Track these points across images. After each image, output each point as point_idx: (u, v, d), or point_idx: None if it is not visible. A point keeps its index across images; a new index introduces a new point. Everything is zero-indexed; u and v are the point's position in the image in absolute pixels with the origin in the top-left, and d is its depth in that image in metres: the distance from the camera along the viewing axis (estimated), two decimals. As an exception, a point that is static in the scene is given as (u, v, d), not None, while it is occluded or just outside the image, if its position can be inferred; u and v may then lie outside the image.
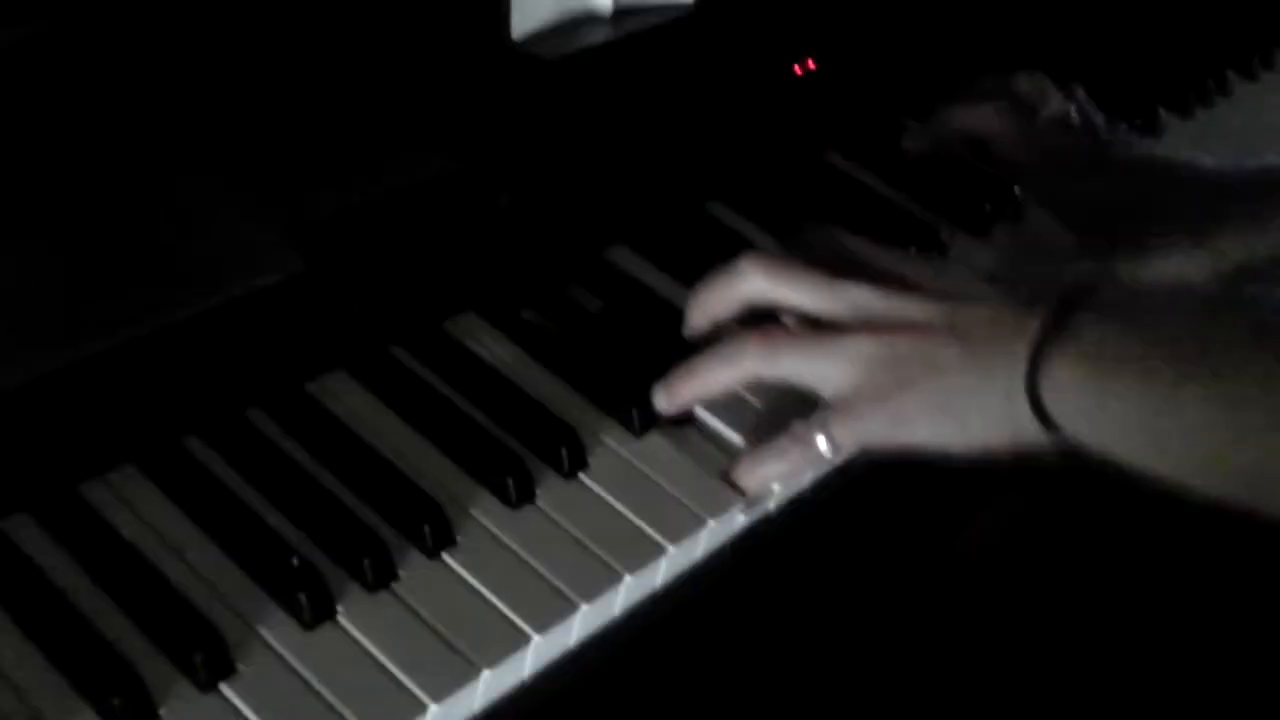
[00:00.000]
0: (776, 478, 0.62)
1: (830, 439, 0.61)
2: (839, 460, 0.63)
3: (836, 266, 0.63)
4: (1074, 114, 0.81)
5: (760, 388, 0.66)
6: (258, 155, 0.65)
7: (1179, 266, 0.70)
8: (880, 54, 0.88)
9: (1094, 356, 0.57)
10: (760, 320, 0.65)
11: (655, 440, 0.65)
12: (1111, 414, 0.56)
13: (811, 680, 0.80)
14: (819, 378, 0.61)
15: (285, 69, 0.66)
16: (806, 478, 0.65)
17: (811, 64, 0.85)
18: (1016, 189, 0.82)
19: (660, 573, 0.60)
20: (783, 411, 0.65)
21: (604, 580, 0.58)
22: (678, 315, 0.71)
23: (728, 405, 0.66)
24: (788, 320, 0.64)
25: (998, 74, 0.85)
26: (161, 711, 0.51)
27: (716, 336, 0.65)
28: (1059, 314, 0.58)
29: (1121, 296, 0.59)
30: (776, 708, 0.74)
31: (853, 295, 0.62)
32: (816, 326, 0.62)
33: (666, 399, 0.64)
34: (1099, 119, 0.82)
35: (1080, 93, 0.83)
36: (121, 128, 0.62)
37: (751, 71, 0.82)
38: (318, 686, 0.52)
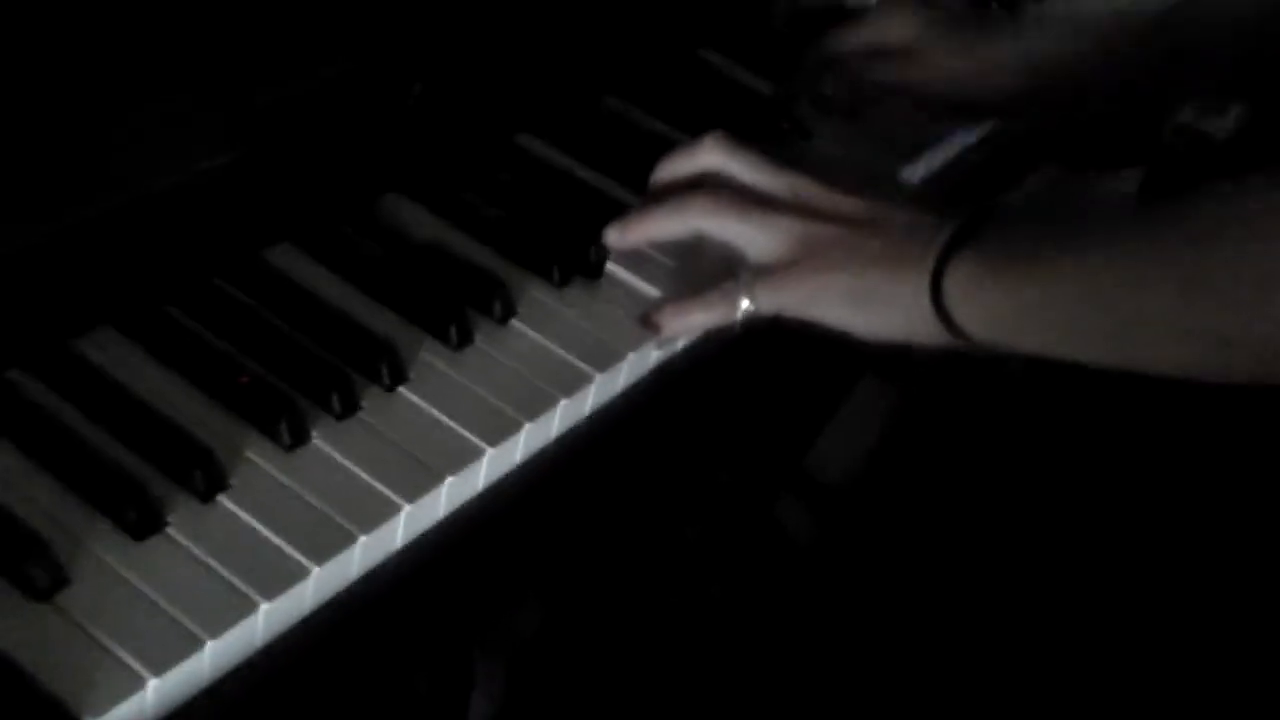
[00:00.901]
0: (699, 326, 0.72)
1: (753, 300, 0.70)
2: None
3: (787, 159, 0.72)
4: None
5: (666, 247, 0.76)
6: (195, 52, 0.71)
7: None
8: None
9: (990, 254, 0.64)
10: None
11: (574, 291, 0.73)
12: (999, 305, 0.64)
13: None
14: (751, 243, 0.70)
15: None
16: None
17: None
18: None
19: (589, 400, 0.69)
20: (687, 269, 0.74)
21: (542, 404, 0.67)
22: (582, 187, 0.80)
23: (637, 260, 0.75)
24: (721, 185, 0.72)
25: None
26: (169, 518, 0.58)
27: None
28: (970, 222, 0.66)
29: (1019, 211, 0.69)
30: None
31: (794, 180, 0.70)
32: (759, 198, 0.71)
33: (619, 236, 0.73)
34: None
35: None
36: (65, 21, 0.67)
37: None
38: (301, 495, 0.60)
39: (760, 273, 0.70)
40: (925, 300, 0.66)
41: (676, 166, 0.75)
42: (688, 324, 0.71)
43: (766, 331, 0.72)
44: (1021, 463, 0.85)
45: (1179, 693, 0.73)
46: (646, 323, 0.72)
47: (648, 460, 0.81)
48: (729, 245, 0.71)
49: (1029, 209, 0.70)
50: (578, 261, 0.74)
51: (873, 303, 0.67)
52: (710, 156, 0.73)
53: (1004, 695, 0.77)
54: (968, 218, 0.67)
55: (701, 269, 0.74)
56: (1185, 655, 0.74)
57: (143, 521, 0.57)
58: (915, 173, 0.89)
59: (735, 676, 0.87)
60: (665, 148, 0.75)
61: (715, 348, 0.75)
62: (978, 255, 0.65)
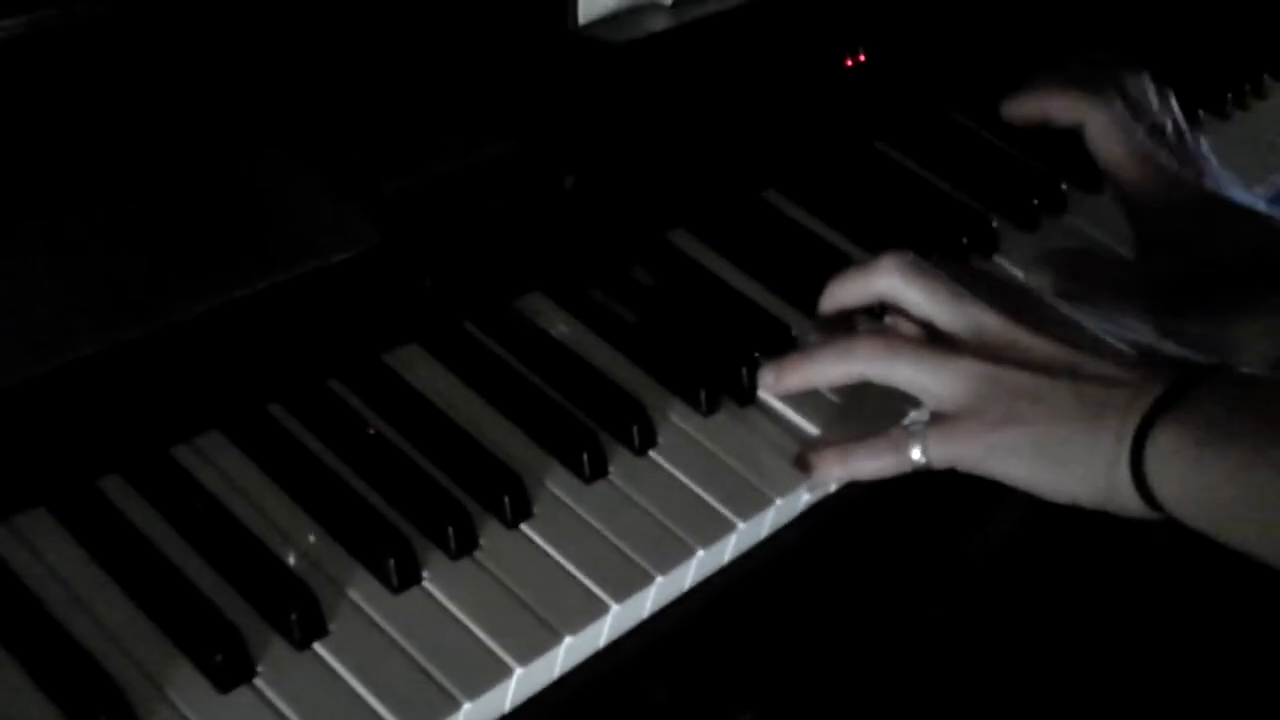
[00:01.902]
0: (864, 474, 0.64)
1: (925, 451, 0.62)
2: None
3: (975, 287, 0.63)
4: (1170, 128, 0.79)
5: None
6: (336, 132, 0.66)
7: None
8: (928, 46, 0.89)
9: (1203, 430, 0.56)
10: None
11: (722, 420, 0.66)
12: (1212, 490, 0.56)
13: (831, 673, 0.82)
14: (927, 390, 0.62)
15: (363, 48, 0.67)
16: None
17: (861, 56, 0.87)
18: (1063, 185, 0.84)
19: (729, 548, 0.62)
20: (850, 409, 0.67)
21: (678, 554, 0.60)
22: (738, 298, 0.73)
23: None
24: (903, 327, 0.65)
25: (1094, 60, 0.83)
26: (259, 668, 0.52)
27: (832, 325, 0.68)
28: (1178, 386, 0.58)
29: (1239, 377, 0.59)
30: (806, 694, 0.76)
31: (978, 316, 0.62)
32: (933, 339, 0.63)
33: (775, 381, 0.66)
34: (1186, 128, 0.80)
35: (1173, 101, 0.81)
36: (202, 100, 0.63)
37: (805, 62, 0.83)
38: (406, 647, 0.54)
39: (935, 420, 0.62)
40: (1123, 468, 0.57)
41: (846, 291, 0.67)
42: (850, 471, 0.64)
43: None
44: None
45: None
46: (802, 463, 0.64)
47: (788, 610, 0.74)
48: (896, 386, 0.64)
49: (1257, 376, 0.60)
50: (728, 385, 0.67)
51: (1061, 463, 0.59)
52: (885, 280, 0.65)
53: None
54: (1183, 374, 0.58)
55: (865, 408, 0.66)
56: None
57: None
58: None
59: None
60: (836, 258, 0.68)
61: (867, 491, 0.68)
62: (1190, 424, 0.56)
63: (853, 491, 0.67)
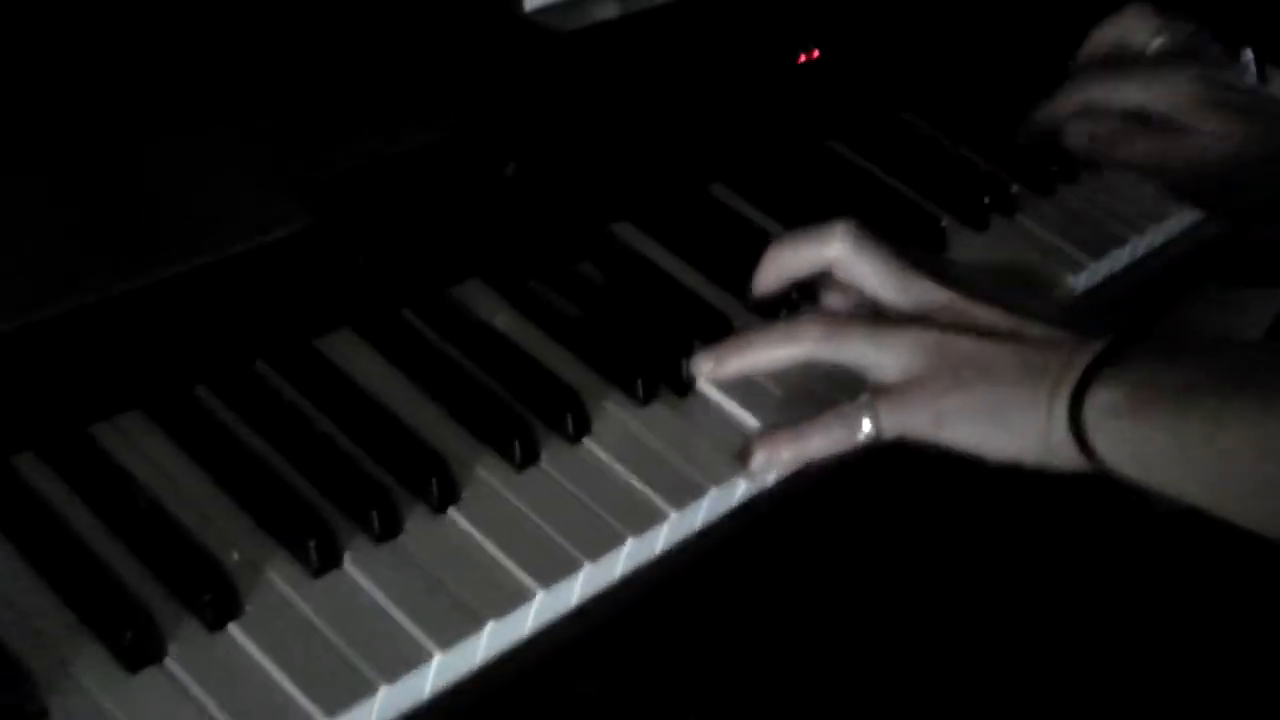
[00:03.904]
0: (815, 452, 0.63)
1: (875, 422, 0.62)
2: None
3: (920, 261, 0.65)
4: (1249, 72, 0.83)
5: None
6: (272, 110, 0.65)
7: None
8: (881, 45, 0.89)
9: (1137, 386, 0.58)
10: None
11: (659, 410, 0.65)
12: (1145, 442, 0.58)
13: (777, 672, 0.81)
14: (874, 364, 0.62)
15: (304, 26, 0.66)
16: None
17: (815, 53, 0.86)
18: (1013, 187, 0.84)
19: (661, 538, 0.61)
20: (787, 399, 0.66)
21: (607, 541, 0.59)
22: (680, 290, 0.72)
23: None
24: (839, 304, 0.65)
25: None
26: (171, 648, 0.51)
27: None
28: (1113, 346, 0.60)
29: (1171, 340, 0.61)
30: (760, 684, 0.75)
31: (922, 289, 0.64)
32: (876, 314, 0.64)
33: (713, 366, 0.65)
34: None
35: (1249, 54, 0.84)
36: (134, 77, 0.62)
37: (756, 57, 0.83)
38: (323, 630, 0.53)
39: (882, 392, 0.62)
40: (1062, 424, 0.59)
41: (793, 261, 0.67)
42: (801, 450, 0.63)
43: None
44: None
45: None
46: (743, 455, 0.63)
47: (718, 606, 0.73)
48: (844, 365, 0.63)
49: (1183, 338, 0.61)
50: (666, 375, 0.66)
51: (1006, 424, 0.61)
52: (834, 251, 0.65)
53: None
54: (1116, 337, 0.60)
55: (802, 398, 0.66)
56: None
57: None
58: (1078, 282, 0.80)
59: None
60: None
61: (803, 482, 0.67)
62: (1123, 382, 0.59)
63: (791, 487, 0.66)
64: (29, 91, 0.59)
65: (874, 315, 0.65)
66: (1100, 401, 0.59)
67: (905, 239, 0.77)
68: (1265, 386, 0.56)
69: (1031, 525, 0.88)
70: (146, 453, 0.58)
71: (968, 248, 0.80)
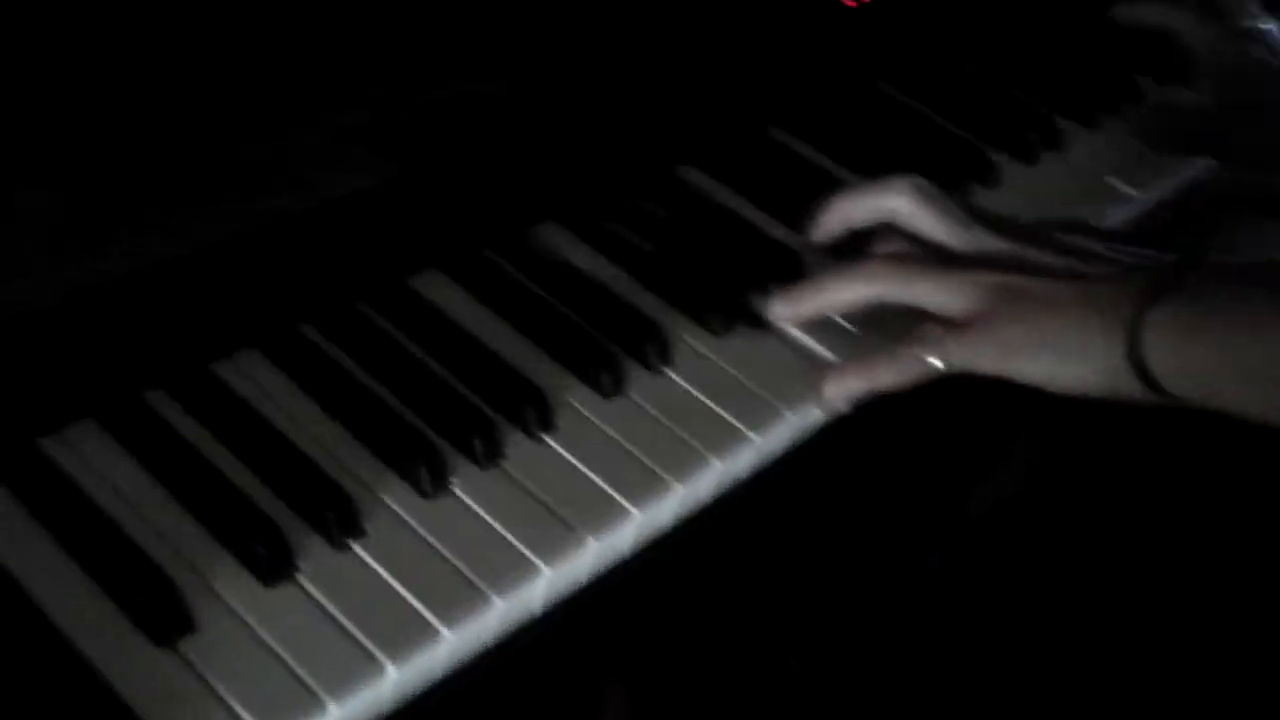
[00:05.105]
0: (885, 385, 0.66)
1: (944, 356, 0.65)
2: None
3: (979, 212, 0.69)
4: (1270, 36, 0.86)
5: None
6: (346, 61, 0.68)
7: None
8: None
9: (1192, 308, 0.61)
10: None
11: (734, 341, 0.69)
12: (1202, 362, 0.61)
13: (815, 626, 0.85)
14: (940, 302, 0.66)
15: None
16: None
17: (865, -3, 0.89)
18: (1058, 120, 0.87)
19: (745, 461, 0.65)
20: (863, 326, 0.70)
21: (693, 463, 0.63)
22: (746, 226, 0.76)
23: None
24: (898, 248, 0.69)
25: None
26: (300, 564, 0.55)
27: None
28: (1167, 270, 0.63)
29: (1225, 263, 0.64)
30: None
31: (982, 235, 0.68)
32: (940, 256, 0.67)
33: (788, 308, 0.69)
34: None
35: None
36: (225, 27, 0.65)
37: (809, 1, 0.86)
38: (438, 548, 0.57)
39: (950, 328, 0.66)
40: (1120, 352, 0.62)
41: (855, 207, 0.71)
42: (871, 382, 0.66)
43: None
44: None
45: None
46: (825, 385, 0.67)
47: (806, 522, 0.77)
48: (910, 305, 0.67)
49: (1234, 261, 0.65)
50: (739, 308, 0.69)
51: (1067, 354, 0.64)
52: (898, 200, 0.69)
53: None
54: (1170, 265, 0.64)
55: (871, 325, 0.69)
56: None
57: (274, 565, 0.55)
58: (1126, 211, 0.83)
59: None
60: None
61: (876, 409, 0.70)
62: (1180, 306, 0.62)
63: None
64: (118, 43, 0.62)
65: (939, 257, 0.68)
66: (1156, 324, 0.62)
67: (959, 175, 0.81)
68: None
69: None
70: (265, 388, 0.61)
71: (1019, 182, 0.83)
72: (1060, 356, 0.64)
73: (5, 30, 0.59)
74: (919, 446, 0.86)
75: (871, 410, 0.68)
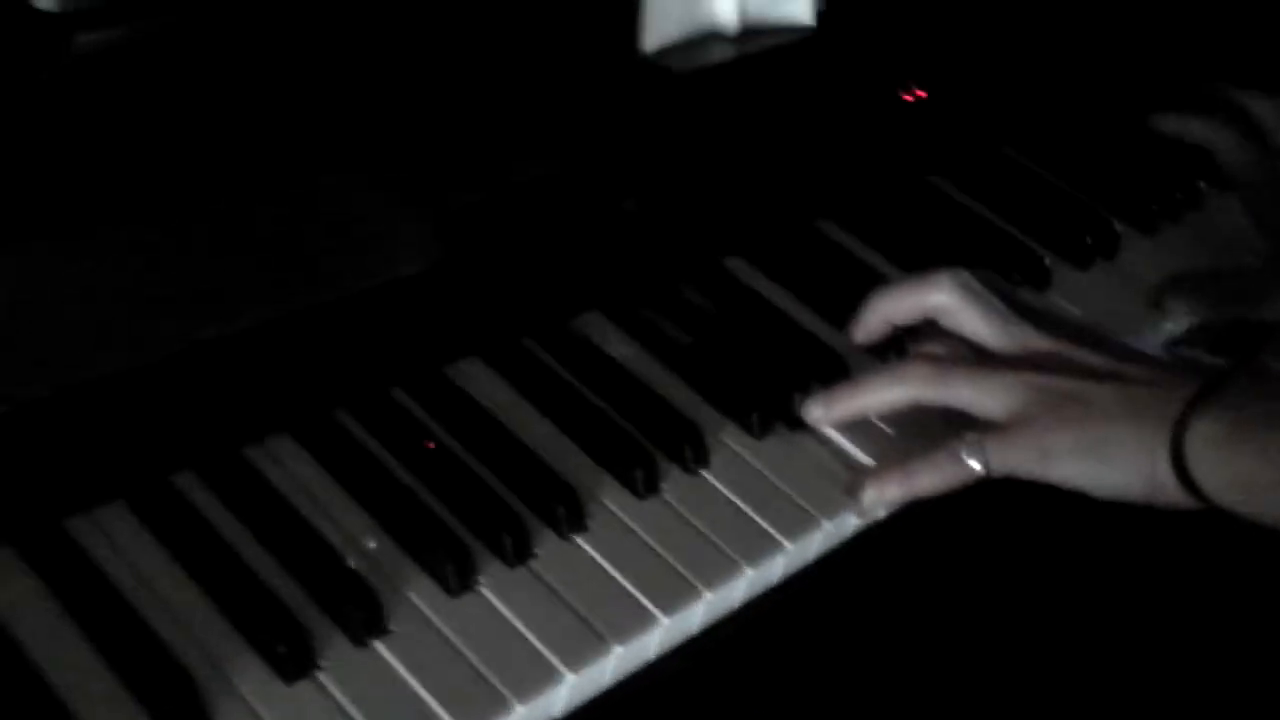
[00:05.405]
0: (925, 490, 0.65)
1: (984, 461, 0.64)
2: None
3: (1022, 309, 0.68)
4: None
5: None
6: (404, 148, 0.68)
7: None
8: (985, 83, 0.91)
9: (1238, 419, 0.60)
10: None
11: (772, 443, 0.68)
12: (1249, 475, 0.60)
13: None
14: (981, 405, 0.65)
15: (433, 68, 0.69)
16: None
17: (920, 92, 0.88)
18: (1117, 225, 0.85)
19: (778, 568, 0.63)
20: (902, 427, 0.69)
21: (725, 570, 0.61)
22: (791, 325, 0.75)
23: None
24: (941, 349, 0.68)
25: (1228, 85, 0.88)
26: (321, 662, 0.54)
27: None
28: (1214, 380, 0.62)
29: (1271, 370, 0.63)
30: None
31: (1025, 334, 0.67)
32: (981, 357, 0.66)
33: (824, 411, 0.67)
34: None
35: None
36: (273, 115, 0.65)
37: (864, 97, 0.85)
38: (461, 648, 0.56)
39: (989, 431, 0.64)
40: (1164, 459, 0.61)
41: (899, 304, 0.70)
42: (912, 487, 0.65)
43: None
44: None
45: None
46: (852, 490, 0.66)
47: (837, 630, 0.75)
48: (950, 407, 0.66)
49: (1276, 364, 0.65)
50: (779, 410, 0.68)
51: (1109, 460, 0.63)
52: (939, 297, 0.68)
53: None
54: (1217, 372, 0.63)
55: (909, 428, 0.68)
56: None
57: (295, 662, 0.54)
58: (1180, 324, 0.81)
59: None
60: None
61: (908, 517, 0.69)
62: (1225, 413, 0.61)
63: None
64: (182, 127, 0.62)
65: (979, 358, 0.67)
66: (1200, 434, 0.60)
67: (1008, 275, 0.80)
68: None
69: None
70: (295, 474, 0.61)
71: (1070, 285, 0.82)
72: (1102, 463, 0.63)
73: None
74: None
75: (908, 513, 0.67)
